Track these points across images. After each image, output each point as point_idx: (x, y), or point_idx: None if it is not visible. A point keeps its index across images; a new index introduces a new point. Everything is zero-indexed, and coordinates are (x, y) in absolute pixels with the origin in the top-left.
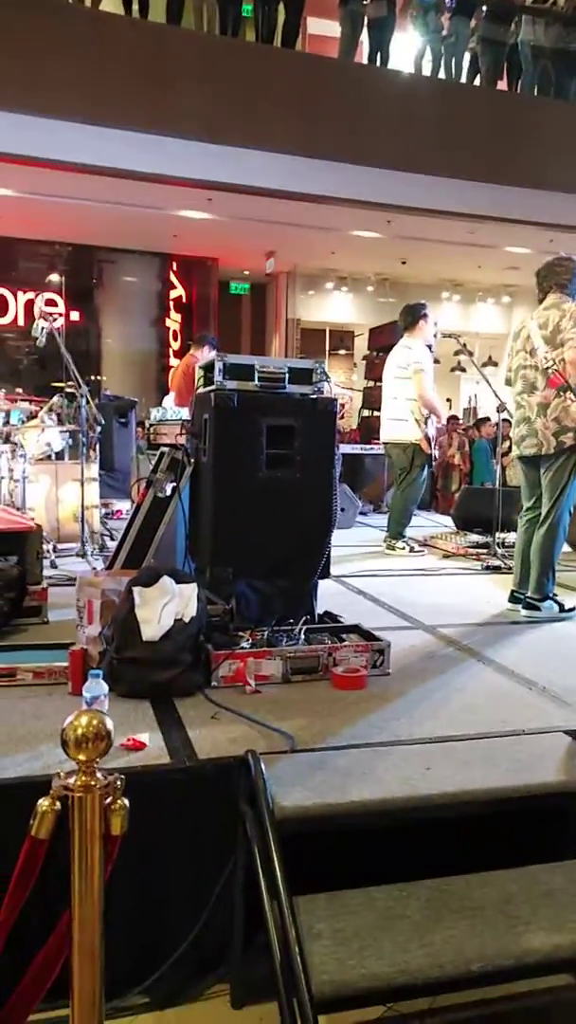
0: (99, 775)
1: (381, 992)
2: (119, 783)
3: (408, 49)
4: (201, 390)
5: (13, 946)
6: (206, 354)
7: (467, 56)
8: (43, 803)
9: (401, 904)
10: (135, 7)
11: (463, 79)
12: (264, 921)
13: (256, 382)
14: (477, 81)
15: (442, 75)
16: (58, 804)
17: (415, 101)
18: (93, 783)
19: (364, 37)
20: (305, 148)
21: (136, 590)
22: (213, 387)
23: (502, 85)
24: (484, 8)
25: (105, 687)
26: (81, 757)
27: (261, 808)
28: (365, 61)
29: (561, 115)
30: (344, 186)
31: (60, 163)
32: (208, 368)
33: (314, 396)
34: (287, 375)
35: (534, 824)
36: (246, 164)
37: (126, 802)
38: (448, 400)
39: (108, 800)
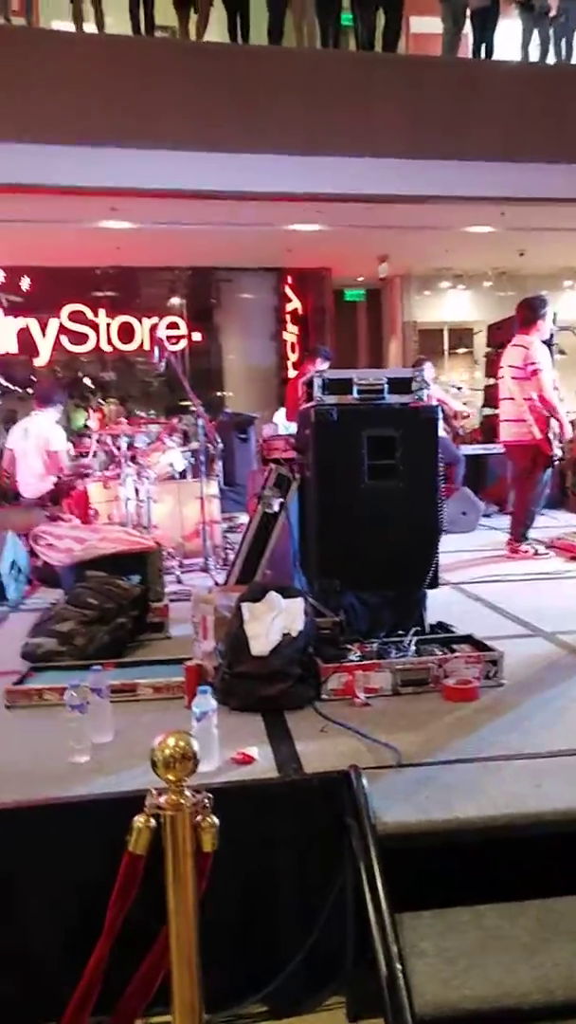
0: (188, 794)
1: (485, 1016)
2: (207, 802)
3: (514, 36)
4: (303, 406)
5: (121, 953)
6: (319, 365)
7: None
8: (139, 820)
9: (509, 924)
10: (239, 32)
11: (575, 59)
12: (370, 936)
13: (355, 395)
14: None
15: (551, 59)
16: (152, 821)
17: (523, 89)
18: (183, 802)
19: (468, 29)
20: (412, 149)
21: (245, 606)
22: (313, 403)
23: None
24: None
25: (213, 703)
26: (170, 777)
27: (364, 824)
28: (470, 54)
29: None
30: (454, 183)
31: (175, 191)
32: (309, 384)
33: (414, 405)
34: (386, 386)
35: None
36: (353, 172)
37: (215, 820)
38: None
39: (198, 818)
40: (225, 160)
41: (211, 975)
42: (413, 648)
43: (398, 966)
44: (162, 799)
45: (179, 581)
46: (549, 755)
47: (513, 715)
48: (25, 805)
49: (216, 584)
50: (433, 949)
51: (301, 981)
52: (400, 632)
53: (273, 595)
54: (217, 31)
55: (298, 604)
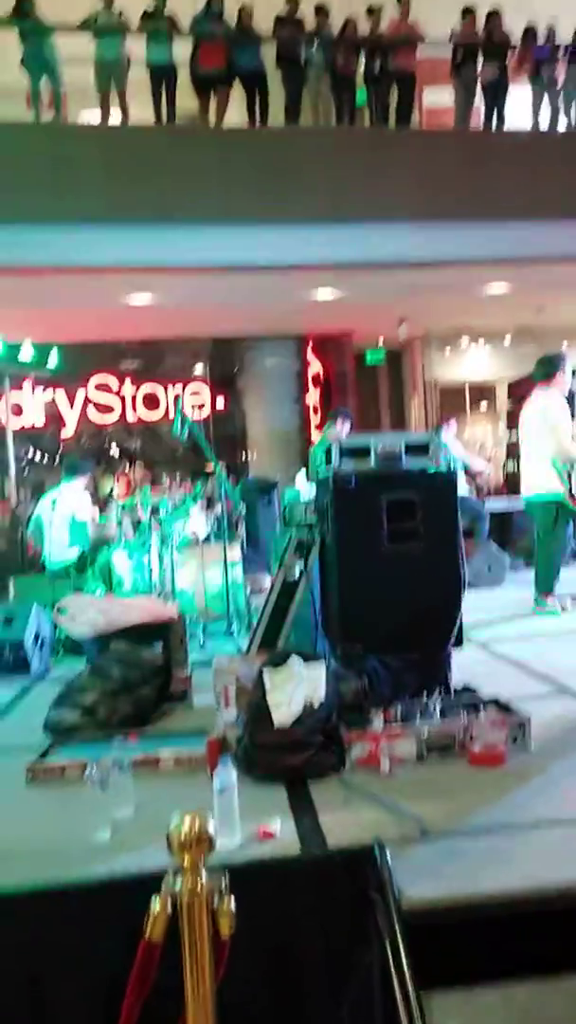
0: (204, 878)
1: None
2: (224, 885)
3: (525, 103)
4: (321, 473)
5: None
6: (340, 427)
7: None
8: (155, 906)
9: (542, 1004)
10: (258, 112)
11: None
12: (397, 1017)
13: (373, 460)
14: None
15: (562, 126)
16: (169, 906)
17: (536, 153)
18: (199, 886)
19: (479, 100)
20: (427, 215)
21: (266, 675)
22: (332, 469)
23: None
24: None
25: (234, 776)
26: (186, 860)
27: (388, 899)
28: (481, 124)
29: None
30: (470, 246)
31: (198, 266)
32: (327, 451)
33: (432, 468)
34: (404, 451)
35: None
36: (370, 240)
37: (233, 904)
38: None
39: (216, 902)
40: (247, 235)
41: None
42: (438, 712)
43: None
44: (178, 883)
45: (203, 647)
46: None
47: (541, 781)
48: (44, 889)
49: (240, 649)
50: None
51: None
52: (425, 695)
53: (295, 663)
54: (236, 111)
55: (320, 671)
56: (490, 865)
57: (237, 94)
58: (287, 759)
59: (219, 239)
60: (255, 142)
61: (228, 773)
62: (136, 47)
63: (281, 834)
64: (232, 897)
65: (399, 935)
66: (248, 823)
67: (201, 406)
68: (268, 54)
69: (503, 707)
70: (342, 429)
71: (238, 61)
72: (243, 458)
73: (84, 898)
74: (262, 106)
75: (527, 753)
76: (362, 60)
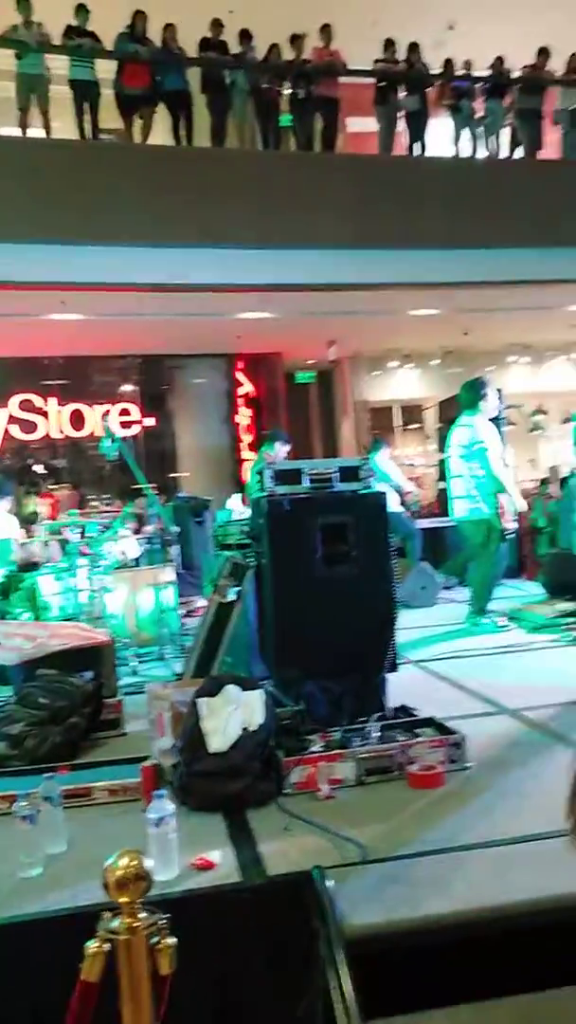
0: (143, 915)
1: None
2: (163, 922)
3: (446, 133)
4: (254, 496)
5: None
6: (278, 450)
7: (505, 132)
8: (91, 946)
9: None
10: (184, 134)
11: (504, 154)
12: None
13: (306, 484)
14: (518, 153)
15: (481, 153)
16: (106, 945)
17: (458, 181)
18: (137, 924)
19: (402, 128)
20: (356, 240)
21: (201, 701)
22: (265, 493)
23: (543, 153)
24: (517, 85)
25: (170, 807)
26: (123, 899)
27: (330, 927)
28: (405, 151)
29: None
30: (398, 271)
31: (126, 285)
32: (260, 473)
33: (363, 491)
34: (336, 475)
35: None
36: (300, 263)
37: (172, 940)
38: (531, 461)
39: (155, 940)
40: (176, 255)
41: None
42: (376, 735)
43: None
44: (115, 922)
45: (135, 673)
46: (516, 841)
47: (479, 801)
48: None
49: (174, 674)
50: None
51: None
52: (362, 718)
53: (231, 688)
54: (161, 133)
55: (257, 696)
56: (431, 889)
57: (161, 116)
58: (225, 787)
59: (146, 260)
60: (181, 162)
61: (164, 804)
62: (59, 62)
63: (220, 864)
64: (170, 935)
65: (342, 963)
66: (186, 854)
67: (130, 424)
68: (193, 76)
69: (440, 727)
70: (279, 451)
71: (163, 82)
72: (173, 477)
73: (16, 937)
74: (187, 128)
75: (465, 773)
76: (287, 85)
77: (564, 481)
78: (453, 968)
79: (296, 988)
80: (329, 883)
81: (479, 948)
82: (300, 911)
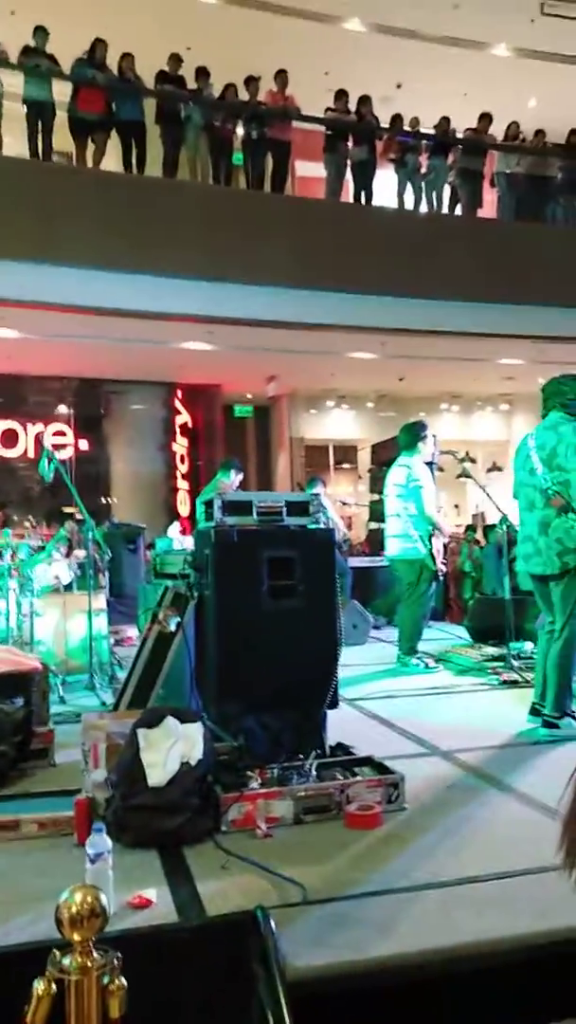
0: (96, 955)
1: None
2: (116, 962)
3: (390, 185)
4: (202, 525)
5: None
6: (233, 479)
7: (447, 189)
8: (39, 987)
9: None
10: (135, 163)
11: (444, 209)
12: None
13: (255, 516)
14: (458, 210)
15: (424, 208)
16: (54, 987)
17: (401, 232)
18: (90, 964)
19: (348, 177)
20: (299, 280)
21: (140, 733)
22: (213, 523)
23: (482, 212)
24: (460, 145)
25: (108, 843)
26: (76, 937)
27: (272, 970)
28: (351, 199)
29: (538, 235)
30: (338, 314)
31: (67, 307)
32: (208, 504)
33: (312, 527)
34: (285, 508)
35: (567, 972)
36: (243, 298)
37: (124, 982)
38: (456, 506)
39: (106, 981)
40: (120, 280)
41: None
42: (314, 773)
43: None
44: (66, 961)
45: (63, 701)
46: (456, 883)
47: (418, 842)
48: None
49: (103, 704)
50: None
51: None
52: (301, 756)
53: (171, 721)
54: (113, 160)
55: (197, 729)
56: (375, 931)
57: (113, 144)
58: (162, 822)
59: (88, 283)
60: (132, 190)
61: (103, 839)
62: (13, 79)
63: (157, 903)
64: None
65: (284, 1008)
66: (121, 891)
67: (64, 447)
68: (149, 107)
69: (378, 766)
70: (234, 480)
71: (118, 110)
72: (106, 503)
73: None
74: (139, 157)
75: (402, 813)
76: (240, 125)
77: (489, 528)
78: (398, 1011)
79: None
80: (272, 924)
81: (424, 991)
82: (240, 953)
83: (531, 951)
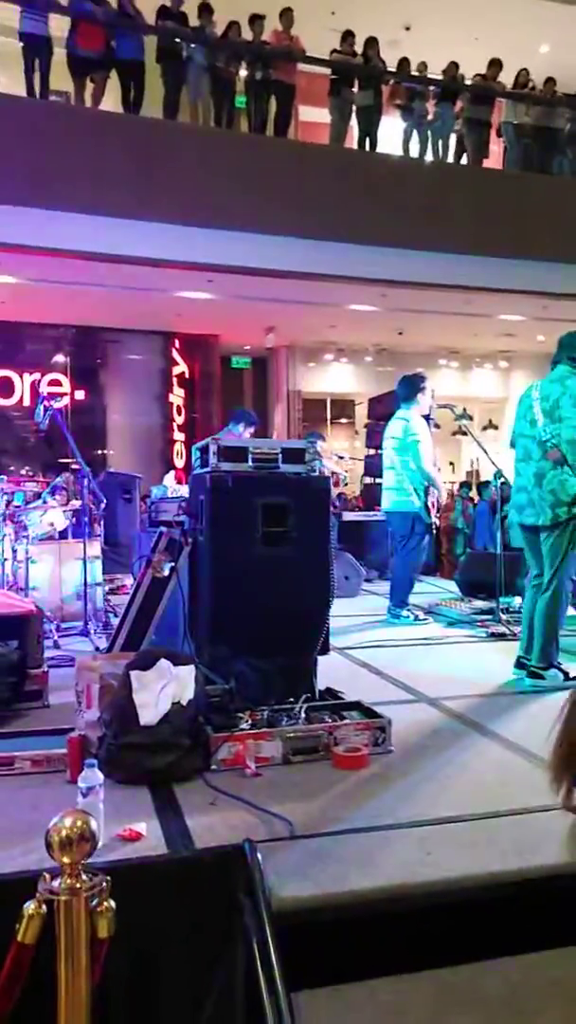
0: (84, 877)
1: None
2: (105, 884)
3: (396, 133)
4: (197, 471)
5: None
6: (243, 432)
7: (453, 137)
8: (29, 907)
9: (404, 998)
10: (133, 104)
11: (450, 159)
12: (263, 1020)
13: (250, 463)
14: (464, 160)
15: (429, 156)
16: (44, 907)
17: (405, 181)
18: (79, 886)
19: (353, 123)
20: (300, 229)
21: (134, 674)
22: (208, 468)
23: (488, 163)
24: (468, 93)
25: (100, 777)
26: (66, 860)
27: (258, 900)
28: (355, 146)
29: (544, 188)
30: (339, 264)
31: (64, 252)
32: (203, 450)
33: (307, 474)
34: (280, 455)
35: (539, 907)
36: (244, 246)
37: (112, 904)
38: (451, 464)
39: (95, 903)
40: (119, 225)
41: None
42: (303, 715)
43: None
44: (56, 883)
45: (57, 646)
46: (439, 822)
47: (402, 783)
48: None
49: (97, 649)
50: None
51: None
52: (291, 699)
53: (163, 662)
54: (111, 101)
55: (189, 671)
56: (358, 865)
57: (113, 84)
58: (152, 760)
59: (86, 228)
60: (131, 132)
61: (94, 773)
62: (8, 13)
63: (147, 836)
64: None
65: (270, 936)
66: (112, 825)
67: (60, 396)
68: (149, 45)
69: (365, 710)
70: (244, 434)
71: (118, 48)
72: (101, 452)
73: None
74: (137, 98)
75: (388, 755)
76: (243, 66)
77: (483, 485)
78: (377, 942)
79: (216, 962)
80: (259, 856)
81: (402, 923)
82: (228, 884)
83: (508, 887)
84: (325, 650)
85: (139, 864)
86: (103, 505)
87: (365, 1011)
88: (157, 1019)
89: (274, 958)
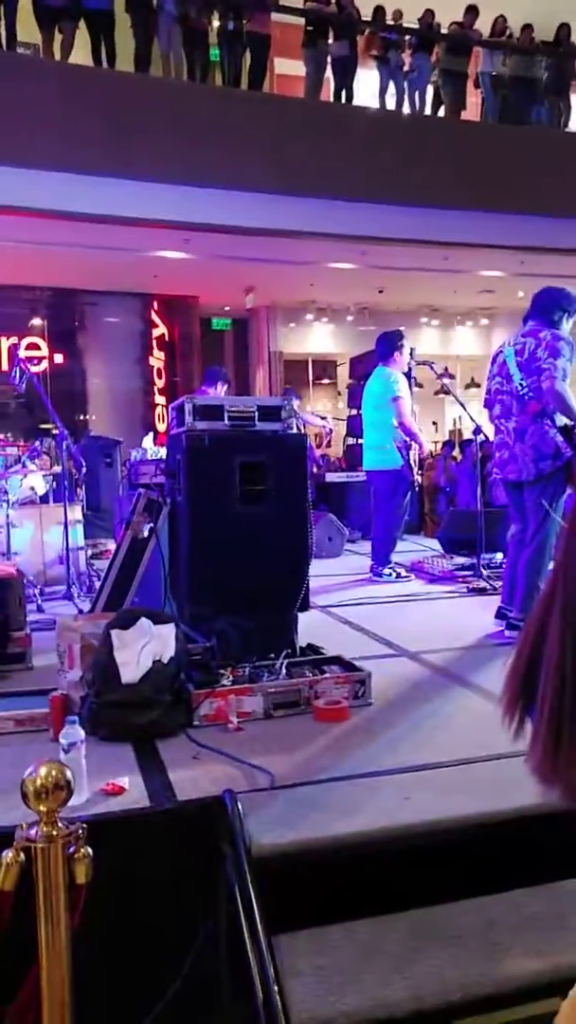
0: (61, 824)
1: None
2: (81, 832)
3: (372, 85)
4: (173, 431)
5: None
6: (219, 390)
7: (430, 89)
8: (6, 855)
9: (382, 937)
10: (104, 57)
11: (427, 111)
12: (245, 962)
13: (226, 422)
14: (441, 112)
15: (406, 108)
16: (22, 855)
17: (382, 134)
18: (55, 833)
19: (329, 75)
20: (276, 185)
21: (114, 633)
22: (184, 428)
23: (465, 115)
24: (444, 42)
25: (81, 733)
26: (42, 808)
27: (239, 849)
28: (331, 98)
29: (522, 140)
30: (316, 221)
31: (37, 210)
32: (179, 409)
33: (284, 432)
34: (256, 413)
35: (514, 848)
36: (220, 204)
37: (89, 850)
38: (434, 423)
39: (71, 849)
40: (92, 183)
41: (84, 1016)
42: (284, 671)
43: (275, 988)
44: (33, 831)
45: (40, 610)
46: (417, 768)
47: (383, 733)
48: None
49: (80, 612)
50: (309, 968)
51: (176, 1015)
52: (272, 655)
53: (144, 621)
54: (82, 54)
55: (169, 630)
56: (340, 813)
57: (83, 38)
58: (135, 717)
59: (59, 186)
60: (101, 85)
61: (75, 730)
62: None
63: (130, 790)
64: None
65: (250, 882)
66: (95, 782)
67: (38, 360)
68: None
69: (345, 664)
70: (219, 392)
71: None
72: (82, 417)
73: None
74: (108, 51)
75: (368, 708)
76: (216, 17)
77: (465, 444)
78: (357, 885)
79: (199, 911)
80: (240, 806)
81: (381, 866)
82: (210, 834)
83: (486, 828)
84: (305, 606)
85: (122, 817)
86: (84, 470)
87: (343, 950)
88: (143, 965)
89: (255, 904)
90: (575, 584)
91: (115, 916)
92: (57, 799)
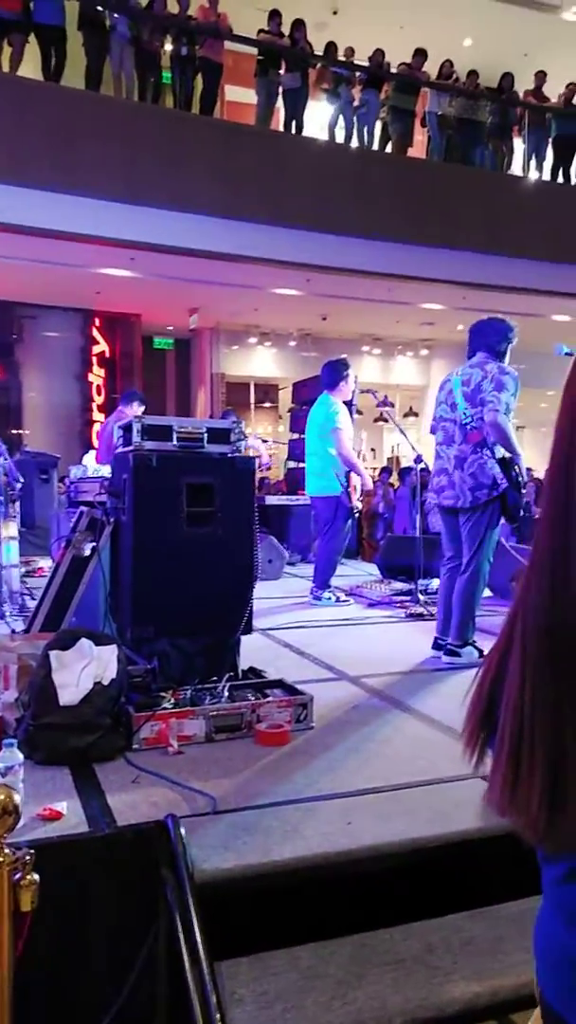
0: (7, 851)
1: None
2: (28, 858)
3: (323, 117)
4: (120, 450)
5: None
6: (135, 410)
7: (378, 125)
8: None
9: (324, 962)
10: (53, 72)
11: (375, 146)
12: (186, 989)
13: (175, 442)
14: (388, 148)
15: (355, 142)
16: None
17: (330, 165)
18: (1, 860)
19: (280, 105)
20: (224, 209)
21: (53, 654)
22: (132, 447)
23: (412, 152)
24: (393, 80)
25: (19, 756)
26: None
27: (181, 874)
28: (281, 128)
29: (465, 179)
30: (263, 246)
31: None
32: (127, 428)
33: (232, 455)
34: (205, 435)
35: (454, 872)
36: (167, 225)
37: (36, 877)
38: (372, 450)
39: (17, 876)
40: (36, 196)
41: None
42: (227, 694)
43: (216, 1015)
44: None
45: None
46: (358, 793)
47: (324, 757)
48: None
49: (14, 632)
50: (251, 995)
51: None
52: (214, 678)
53: (84, 642)
54: (32, 67)
55: (111, 651)
56: (281, 837)
57: (33, 52)
58: (73, 740)
59: (2, 198)
60: (52, 100)
61: (13, 753)
62: None
63: (67, 815)
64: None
65: (192, 908)
66: (31, 807)
67: None
68: (71, 11)
69: (288, 688)
70: (136, 412)
71: (36, 12)
72: (16, 432)
73: None
74: (57, 65)
75: (310, 731)
76: (168, 40)
77: (404, 471)
78: (298, 911)
79: (141, 936)
80: (182, 831)
81: (323, 891)
82: (150, 859)
83: (425, 852)
84: (248, 629)
85: (61, 842)
86: (20, 485)
87: (285, 976)
88: (80, 993)
89: (196, 929)
90: (534, 616)
91: (53, 942)
92: (4, 825)
